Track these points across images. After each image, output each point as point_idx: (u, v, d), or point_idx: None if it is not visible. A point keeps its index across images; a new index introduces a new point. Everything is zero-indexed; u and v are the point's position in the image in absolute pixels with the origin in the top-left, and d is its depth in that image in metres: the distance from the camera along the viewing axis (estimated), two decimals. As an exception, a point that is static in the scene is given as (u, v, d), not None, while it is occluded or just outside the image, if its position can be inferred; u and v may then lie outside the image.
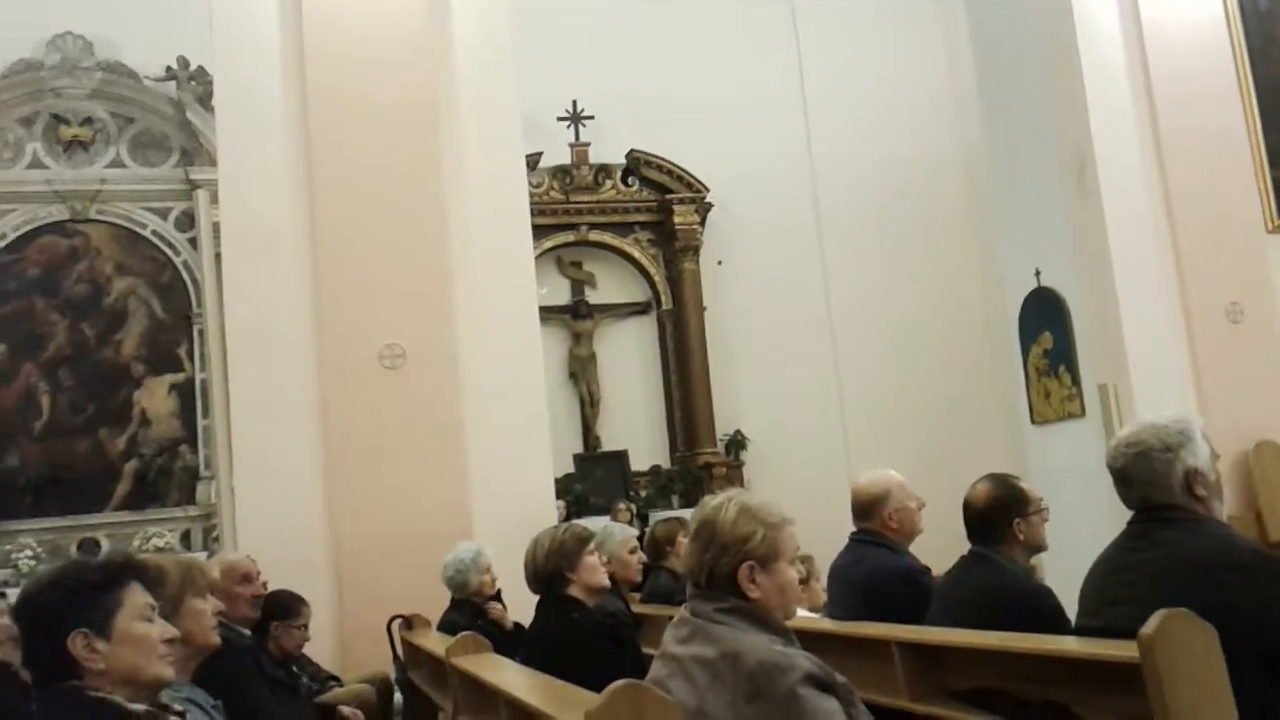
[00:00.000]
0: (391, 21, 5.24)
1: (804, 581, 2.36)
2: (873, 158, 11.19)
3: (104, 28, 9.58)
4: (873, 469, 3.63)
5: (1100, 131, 7.48)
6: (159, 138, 9.76)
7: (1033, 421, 8.49)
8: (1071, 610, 2.66)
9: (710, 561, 2.09)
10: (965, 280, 11.12)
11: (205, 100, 9.29)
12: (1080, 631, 2.49)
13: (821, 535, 3.56)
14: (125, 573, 1.89)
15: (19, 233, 9.39)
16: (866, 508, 3.52)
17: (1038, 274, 8.20)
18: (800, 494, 4.70)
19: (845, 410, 10.91)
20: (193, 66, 9.49)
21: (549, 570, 3.41)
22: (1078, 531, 4.10)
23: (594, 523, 6.11)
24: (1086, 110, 7.51)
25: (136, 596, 1.88)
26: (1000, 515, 3.09)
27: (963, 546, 3.16)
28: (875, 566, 3.44)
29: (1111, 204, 7.40)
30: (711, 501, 2.15)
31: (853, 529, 3.60)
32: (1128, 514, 2.50)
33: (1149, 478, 2.41)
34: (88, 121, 9.63)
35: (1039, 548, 3.16)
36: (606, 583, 3.55)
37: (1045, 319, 8.14)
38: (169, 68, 9.59)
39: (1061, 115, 7.75)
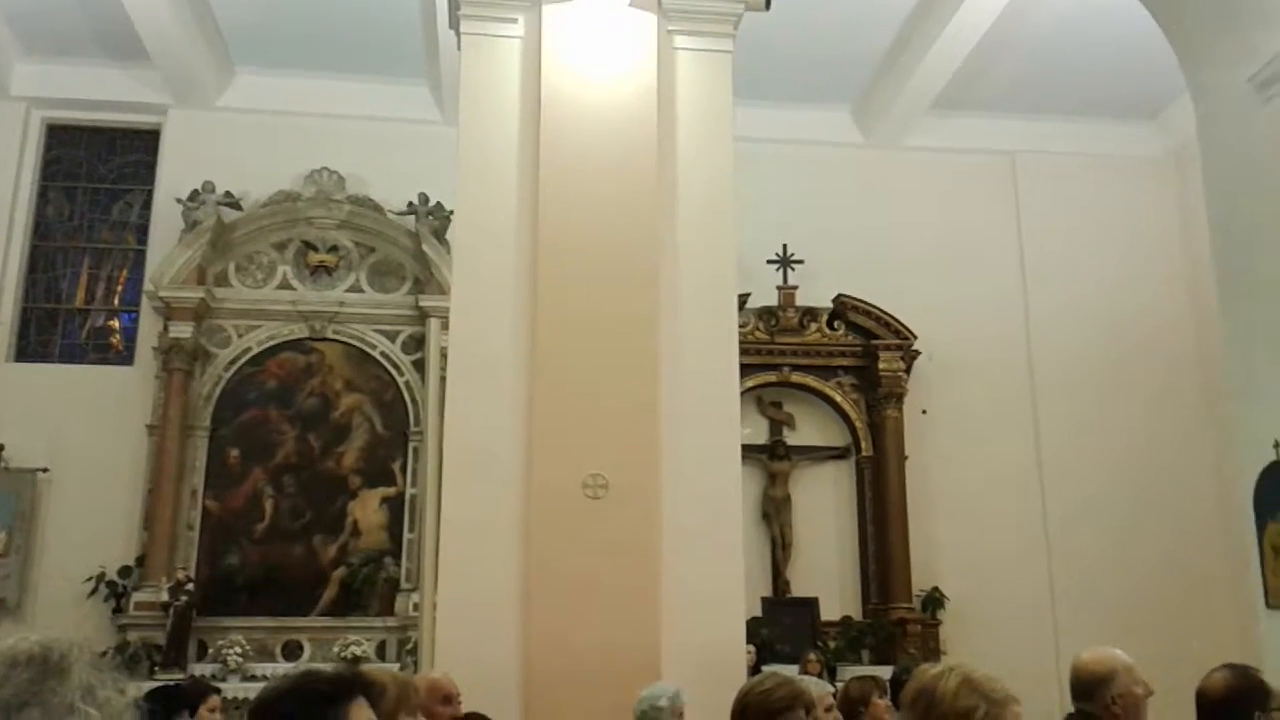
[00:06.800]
0: (622, 172, 5.52)
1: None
2: (1094, 313, 10.84)
3: (356, 165, 10.51)
4: (1095, 646, 3.40)
5: (1352, 296, 7.00)
6: (395, 266, 10.49)
7: (1268, 606, 7.77)
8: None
9: (925, 733, 2.01)
10: (1193, 449, 10.47)
11: (440, 233, 9.99)
12: None
13: (1024, 712, 3.33)
14: (353, 687, 1.97)
15: (263, 347, 10.20)
16: (1088, 688, 3.27)
17: (1277, 445, 7.63)
18: (1001, 663, 4.42)
19: (1054, 578, 10.34)
20: (431, 202, 10.22)
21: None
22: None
23: (783, 672, 5.95)
24: (1335, 273, 7.06)
25: (360, 711, 1.94)
26: (1240, 709, 2.86)
27: (1191, 741, 2.92)
28: (1095, 754, 3.19)
29: (1364, 374, 6.87)
30: (930, 670, 2.07)
31: (1069, 710, 3.35)
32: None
33: None
34: (334, 249, 10.48)
35: (1283, 749, 2.88)
36: (804, 741, 3.42)
37: (1285, 495, 7.53)
38: (410, 203, 10.36)
39: (1307, 278, 7.30)
